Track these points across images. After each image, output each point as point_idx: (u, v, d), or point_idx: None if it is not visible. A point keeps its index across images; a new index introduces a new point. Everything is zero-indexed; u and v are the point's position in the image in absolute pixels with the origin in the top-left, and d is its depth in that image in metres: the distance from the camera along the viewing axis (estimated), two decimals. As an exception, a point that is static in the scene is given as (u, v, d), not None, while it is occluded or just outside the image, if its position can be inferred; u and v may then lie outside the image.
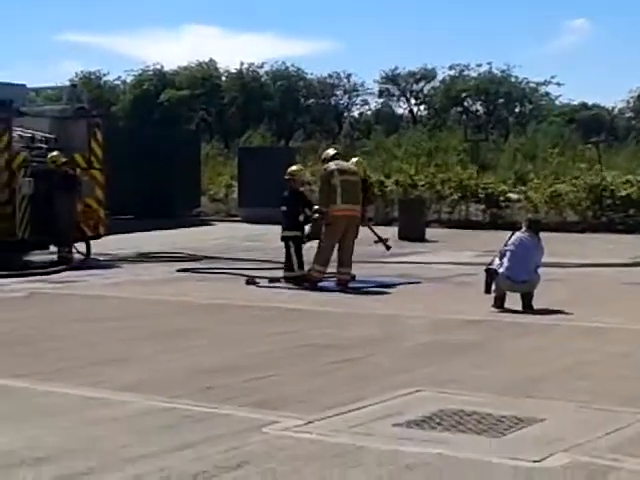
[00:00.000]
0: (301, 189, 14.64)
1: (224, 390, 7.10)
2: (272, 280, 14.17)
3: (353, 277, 14.09)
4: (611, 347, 8.89)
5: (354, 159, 15.56)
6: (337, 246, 13.87)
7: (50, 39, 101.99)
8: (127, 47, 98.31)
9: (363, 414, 6.34)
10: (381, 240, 15.33)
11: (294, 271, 13.96)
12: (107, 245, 18.42)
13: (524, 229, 11.71)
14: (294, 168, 14.96)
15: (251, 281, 14.12)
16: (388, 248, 15.39)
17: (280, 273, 14.58)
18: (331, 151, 15.02)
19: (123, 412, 6.44)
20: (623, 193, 24.25)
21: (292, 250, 13.97)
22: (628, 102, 70.51)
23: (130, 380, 7.48)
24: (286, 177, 14.40)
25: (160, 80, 68.63)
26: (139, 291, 13.43)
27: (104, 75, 72.78)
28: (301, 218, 14.06)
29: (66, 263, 16.37)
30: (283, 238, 14.19)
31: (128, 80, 70.98)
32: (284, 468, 5.19)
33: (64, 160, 17.10)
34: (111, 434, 5.89)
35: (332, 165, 14.06)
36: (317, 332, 9.85)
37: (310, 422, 6.12)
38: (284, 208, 14.18)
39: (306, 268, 13.97)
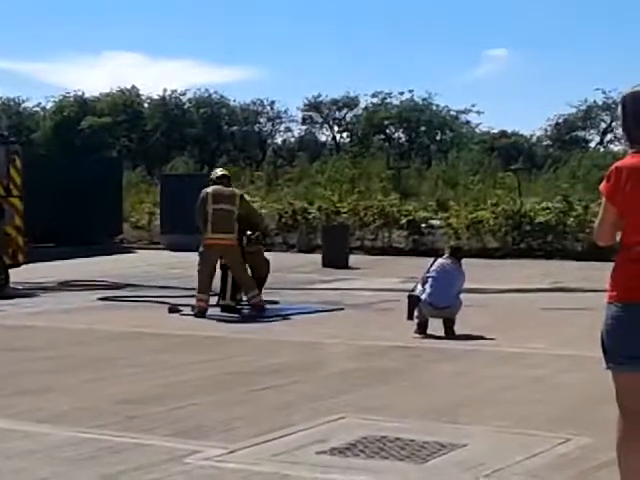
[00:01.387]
0: None
1: (146, 420, 7.03)
2: (194, 308, 14.09)
3: (275, 302, 14.05)
4: (531, 372, 9.02)
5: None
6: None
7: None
8: (47, 73, 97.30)
9: (286, 442, 6.33)
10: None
11: (225, 299, 13.94)
12: (26, 274, 18.13)
13: (446, 255, 11.84)
14: None
15: (174, 309, 14.02)
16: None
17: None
18: (219, 171, 14.60)
19: (43, 444, 6.33)
20: (541, 219, 24.67)
21: (229, 278, 13.89)
22: (546, 130, 71.93)
23: (51, 411, 7.36)
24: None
25: (81, 107, 67.98)
26: (60, 320, 13.23)
27: (23, 101, 71.91)
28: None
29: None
30: (224, 265, 14.09)
31: (48, 106, 70.19)
32: (207, 498, 5.15)
33: None
34: (31, 467, 5.78)
35: (209, 190, 13.82)
36: (240, 360, 9.82)
37: (233, 451, 6.09)
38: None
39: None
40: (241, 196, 14.10)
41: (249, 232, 14.22)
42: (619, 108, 4.43)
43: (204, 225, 13.66)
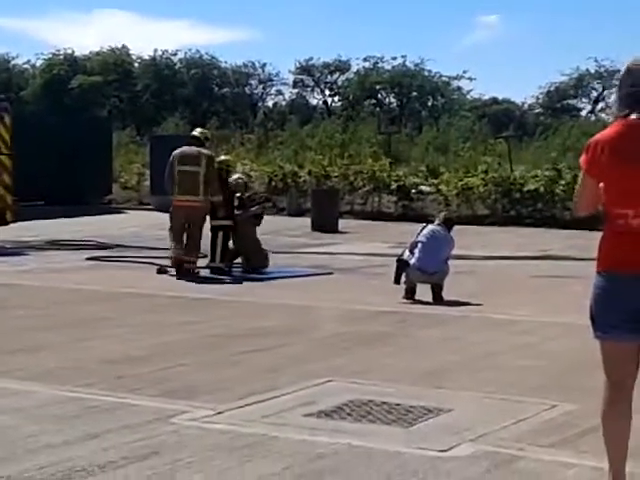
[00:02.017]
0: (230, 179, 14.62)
1: (133, 380, 7.04)
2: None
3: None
4: (518, 338, 9.06)
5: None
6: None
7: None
8: (37, 30, 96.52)
9: (274, 404, 6.36)
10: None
11: (214, 261, 13.94)
12: (15, 232, 18.08)
13: (437, 222, 11.84)
14: (224, 157, 15.01)
15: (162, 270, 14.02)
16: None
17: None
18: (194, 133, 14.51)
19: (29, 402, 6.34)
20: (531, 187, 24.68)
21: (219, 240, 13.92)
22: (537, 98, 71.82)
23: (38, 370, 7.37)
24: (218, 166, 14.28)
25: (71, 65, 67.50)
26: (48, 279, 13.23)
27: (13, 58, 71.35)
28: (235, 203, 14.03)
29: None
30: (213, 227, 14.09)
31: (38, 64, 69.66)
32: (193, 459, 5.17)
33: None
34: (17, 424, 5.80)
35: (176, 151, 13.91)
36: (228, 322, 9.84)
37: (220, 412, 6.11)
38: (216, 198, 14.02)
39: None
40: (208, 157, 13.90)
41: (241, 195, 14.23)
42: (623, 74, 4.45)
43: (171, 187, 13.77)
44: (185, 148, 13.94)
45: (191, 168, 13.67)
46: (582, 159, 4.43)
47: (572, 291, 11.57)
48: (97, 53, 68.75)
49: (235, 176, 15.15)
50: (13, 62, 71.35)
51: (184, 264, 13.62)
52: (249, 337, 8.94)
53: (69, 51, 68.50)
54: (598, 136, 4.41)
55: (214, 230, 14.11)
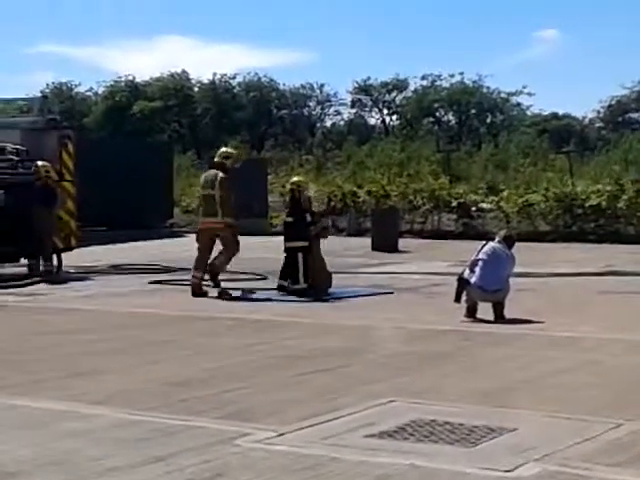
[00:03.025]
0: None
1: (196, 402, 7.09)
2: (245, 291, 14.17)
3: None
4: (581, 356, 8.94)
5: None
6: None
7: (21, 50, 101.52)
8: (99, 58, 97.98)
9: (336, 425, 6.35)
10: None
11: (299, 283, 13.92)
12: (79, 257, 18.33)
13: (497, 240, 11.75)
14: (297, 179, 15.16)
15: (224, 293, 14.09)
16: None
17: (254, 284, 14.66)
18: (219, 153, 14.91)
19: (95, 425, 6.41)
20: (593, 202, 24.41)
21: (300, 261, 13.94)
22: (598, 112, 71.08)
23: (103, 393, 7.45)
24: (290, 187, 14.67)
25: (132, 91, 68.45)
26: (112, 303, 13.38)
27: (76, 86, 72.57)
28: (308, 219, 14.16)
29: (43, 275, 16.25)
30: (290, 249, 14.14)
31: (100, 91, 70.79)
32: (257, 480, 5.19)
33: (47, 171, 16.91)
34: (83, 447, 5.86)
35: (202, 176, 14.90)
36: (289, 343, 9.85)
37: (282, 434, 6.12)
38: (289, 219, 14.23)
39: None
40: (221, 179, 14.20)
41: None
42: None
43: (197, 209, 15.00)
44: (207, 172, 14.71)
45: (210, 192, 14.24)
46: None
47: (636, 307, 11.40)
48: (157, 79, 69.65)
49: (305, 186, 15.10)
50: (76, 90, 72.58)
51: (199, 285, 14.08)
52: (310, 358, 8.95)
53: (130, 78, 69.52)
54: None
55: (291, 252, 14.10)
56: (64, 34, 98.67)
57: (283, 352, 9.28)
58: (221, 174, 14.28)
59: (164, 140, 56.71)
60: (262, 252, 19.38)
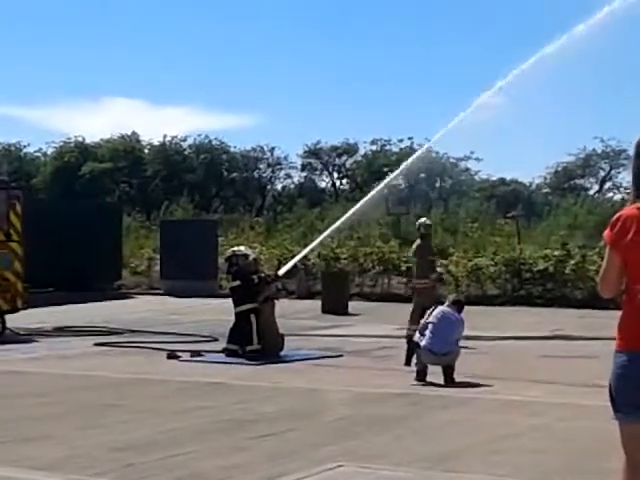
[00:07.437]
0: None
1: (143, 468, 6.97)
2: (193, 354, 14.04)
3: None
4: (530, 420, 8.95)
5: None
6: None
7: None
8: (47, 119, 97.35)
9: (284, 490, 6.27)
10: None
11: (252, 344, 13.85)
12: (25, 319, 18.07)
13: (447, 304, 11.80)
14: (239, 247, 15.29)
15: (172, 355, 13.96)
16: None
17: (202, 346, 14.53)
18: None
19: (38, 491, 6.26)
20: (541, 267, 24.66)
21: (253, 321, 13.88)
22: (545, 178, 72.12)
23: (49, 458, 7.29)
24: (230, 255, 14.71)
25: (82, 152, 68.15)
26: (57, 366, 13.17)
27: (24, 147, 72.11)
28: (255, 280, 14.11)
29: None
30: (240, 313, 14.09)
31: (49, 152, 70.39)
32: None
33: None
34: (25, 515, 5.72)
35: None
36: (237, 406, 9.75)
37: (230, 499, 6.02)
38: (236, 283, 14.18)
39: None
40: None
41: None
42: (633, 155, 4.40)
43: None
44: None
45: None
46: (607, 234, 4.29)
47: (584, 371, 11.48)
48: (107, 140, 69.42)
49: (242, 252, 14.91)
50: (24, 151, 72.13)
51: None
52: (259, 422, 8.86)
53: (80, 138, 69.25)
54: (624, 212, 4.29)
55: (241, 315, 14.05)
56: (13, 95, 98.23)
57: (231, 416, 9.18)
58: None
59: (113, 201, 56.41)
60: (211, 314, 19.27)
